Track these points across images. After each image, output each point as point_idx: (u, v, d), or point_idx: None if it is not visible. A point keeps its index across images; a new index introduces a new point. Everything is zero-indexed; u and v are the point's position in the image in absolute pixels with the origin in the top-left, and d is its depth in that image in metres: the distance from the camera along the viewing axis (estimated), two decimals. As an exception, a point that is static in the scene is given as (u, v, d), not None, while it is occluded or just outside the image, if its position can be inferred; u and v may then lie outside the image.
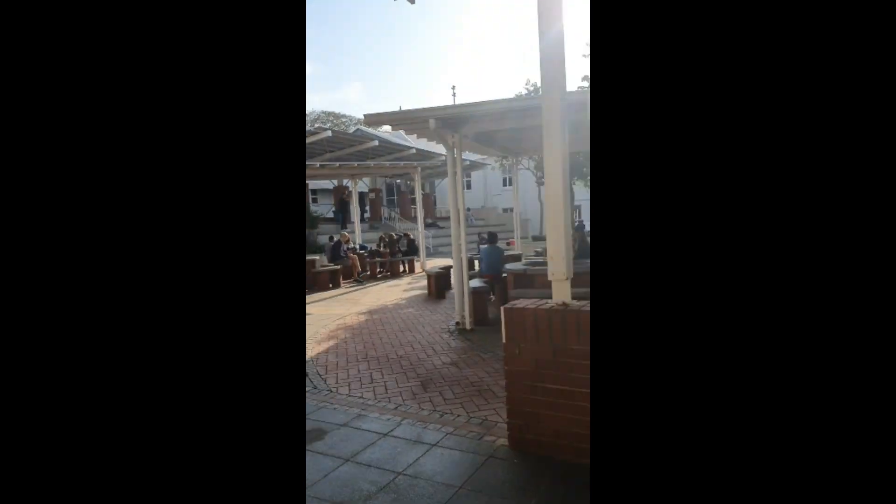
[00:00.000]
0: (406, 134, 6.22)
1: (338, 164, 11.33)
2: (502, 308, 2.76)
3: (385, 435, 2.99)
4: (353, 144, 14.38)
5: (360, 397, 3.71)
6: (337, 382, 4.09)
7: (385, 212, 23.25)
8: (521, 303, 2.79)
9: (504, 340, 2.74)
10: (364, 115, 5.18)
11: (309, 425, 3.18)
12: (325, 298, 9.03)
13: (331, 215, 19.75)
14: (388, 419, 3.24)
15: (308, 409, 3.46)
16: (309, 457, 2.73)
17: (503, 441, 2.80)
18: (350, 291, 9.87)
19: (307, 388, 3.94)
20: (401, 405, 3.51)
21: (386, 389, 3.86)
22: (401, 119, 5.40)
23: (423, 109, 5.16)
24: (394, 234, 14.02)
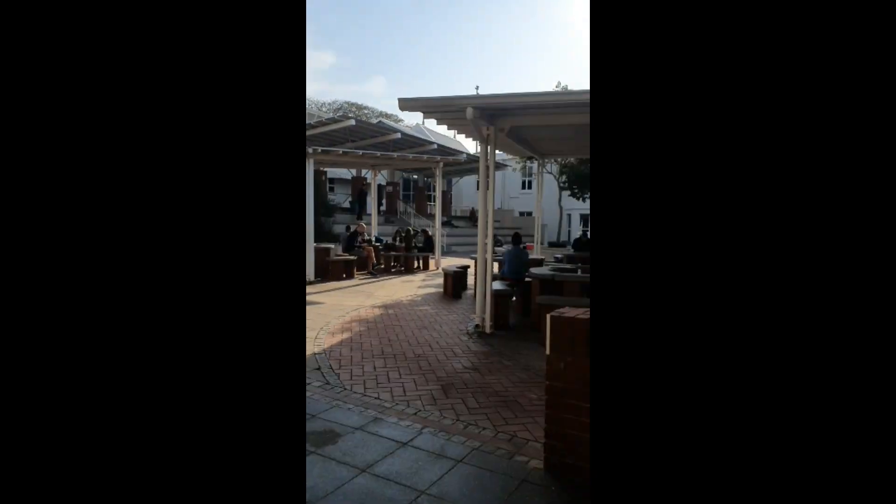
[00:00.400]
0: (437, 123, 5.94)
1: (360, 152, 11.08)
2: (549, 316, 2.46)
3: (405, 444, 2.70)
4: (375, 135, 14.12)
5: (376, 398, 3.43)
6: (351, 379, 3.82)
7: (401, 206, 23.03)
8: (569, 311, 2.49)
9: (547, 352, 2.44)
10: (398, 100, 4.90)
11: (321, 426, 2.91)
12: (338, 288, 8.79)
13: (347, 205, 19.58)
14: (408, 426, 2.95)
15: (320, 408, 3.19)
16: (321, 462, 2.46)
17: (537, 463, 2.51)
18: (364, 283, 9.62)
19: (319, 384, 3.67)
20: (420, 411, 3.22)
21: (404, 391, 3.58)
22: (436, 105, 5.11)
23: (462, 97, 4.87)
24: (411, 229, 13.77)
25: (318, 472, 2.37)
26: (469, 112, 4.79)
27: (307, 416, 3.04)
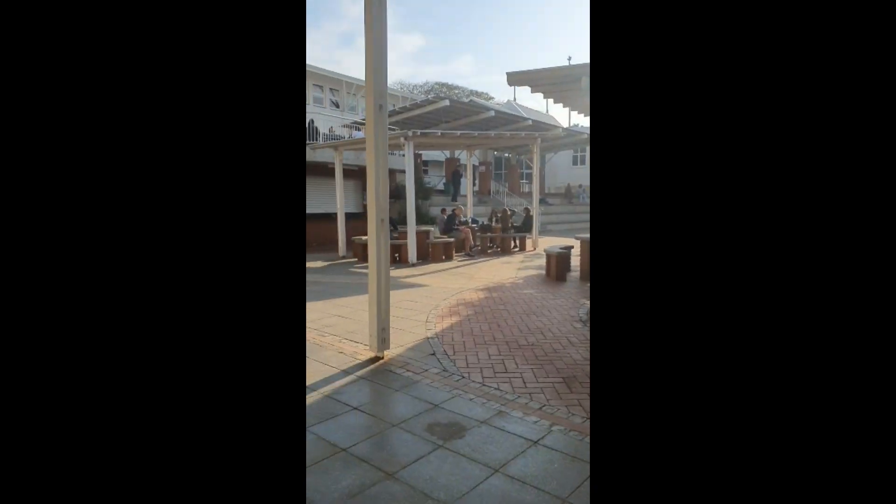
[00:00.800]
0: (544, 97, 5.59)
1: (458, 132, 10.96)
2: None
3: (535, 443, 2.55)
4: (468, 115, 13.93)
5: (496, 388, 3.31)
6: (467, 367, 3.73)
7: (493, 186, 22.73)
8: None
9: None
10: (507, 74, 4.65)
11: (445, 417, 2.85)
12: (439, 270, 8.84)
13: (441, 187, 19.71)
14: (536, 422, 2.79)
15: (441, 397, 3.14)
16: (451, 459, 2.38)
17: (691, 476, 2.22)
18: (463, 265, 9.59)
19: (436, 370, 3.64)
20: (545, 405, 3.04)
21: (524, 383, 3.42)
22: (547, 78, 4.78)
23: (576, 66, 4.49)
24: (507, 208, 13.50)
25: (449, 469, 2.30)
26: (584, 82, 4.40)
27: (430, 406, 3.00)
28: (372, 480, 2.20)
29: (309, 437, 2.59)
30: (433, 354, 4.01)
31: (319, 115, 17.60)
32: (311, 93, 19.83)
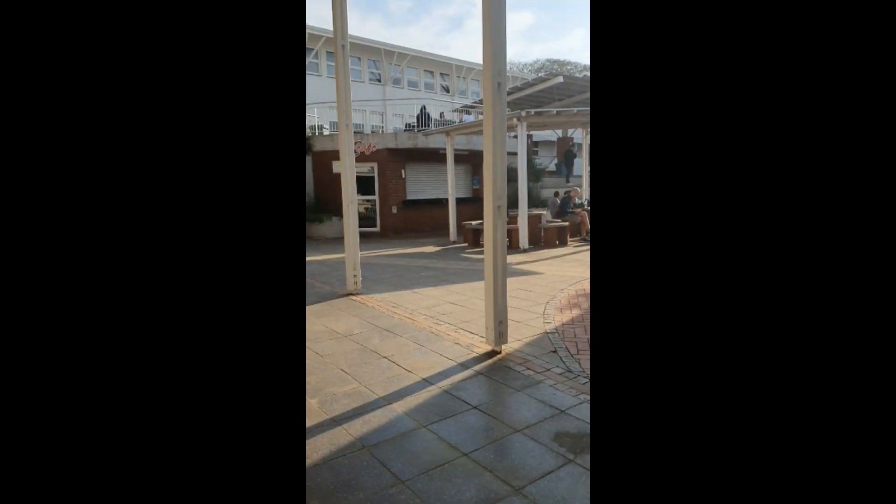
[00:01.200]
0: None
1: (575, 110, 10.28)
2: None
3: (685, 469, 2.17)
4: (583, 91, 13.05)
5: (629, 397, 2.95)
6: (593, 368, 3.40)
7: (609, 165, 21.30)
8: None
9: None
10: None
11: (573, 426, 2.58)
12: (553, 257, 8.43)
13: (552, 168, 18.94)
14: (683, 443, 2.40)
15: (567, 402, 2.86)
16: (584, 476, 2.11)
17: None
18: (579, 251, 9.05)
19: (560, 370, 3.35)
20: (692, 422, 2.62)
21: (662, 392, 3.01)
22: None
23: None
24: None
25: (583, 490, 2.03)
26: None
27: (555, 411, 2.74)
28: (497, 494, 2.02)
29: (429, 437, 2.49)
30: (554, 352, 3.72)
31: (431, 100, 17.80)
32: (421, 79, 20.15)
